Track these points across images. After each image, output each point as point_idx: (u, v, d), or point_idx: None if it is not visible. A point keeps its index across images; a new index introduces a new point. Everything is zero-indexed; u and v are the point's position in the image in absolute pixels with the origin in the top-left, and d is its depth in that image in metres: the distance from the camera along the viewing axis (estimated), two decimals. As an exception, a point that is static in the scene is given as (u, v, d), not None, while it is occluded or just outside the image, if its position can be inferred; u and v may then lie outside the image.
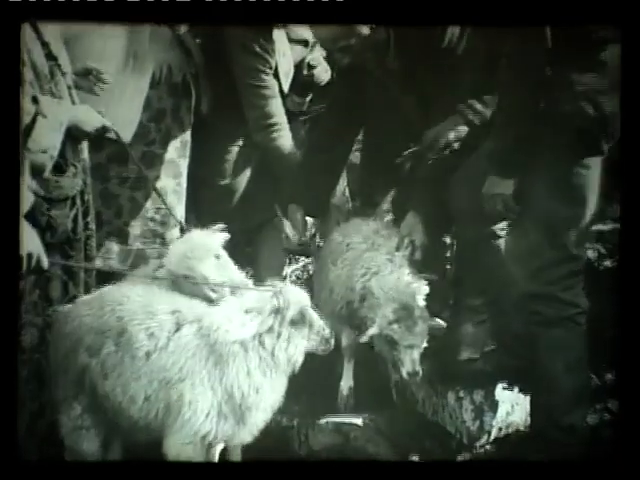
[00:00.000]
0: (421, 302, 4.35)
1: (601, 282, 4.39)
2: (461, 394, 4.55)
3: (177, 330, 3.71)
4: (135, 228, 4.87)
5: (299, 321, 3.68)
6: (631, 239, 3.48)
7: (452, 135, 4.45)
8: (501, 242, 4.31)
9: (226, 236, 4.10)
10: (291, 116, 5.18)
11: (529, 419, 4.33)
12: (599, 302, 4.07)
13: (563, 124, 3.77)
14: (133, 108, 4.79)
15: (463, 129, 4.40)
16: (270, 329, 3.66)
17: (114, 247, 4.89)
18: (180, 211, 5.01)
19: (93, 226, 4.32)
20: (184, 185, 5.03)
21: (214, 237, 4.05)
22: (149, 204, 4.87)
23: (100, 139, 4.29)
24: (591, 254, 4.12)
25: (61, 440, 3.87)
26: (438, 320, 4.36)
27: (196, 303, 3.83)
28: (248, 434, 3.76)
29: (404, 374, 4.28)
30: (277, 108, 5.01)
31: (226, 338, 3.63)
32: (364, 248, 4.62)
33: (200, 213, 5.05)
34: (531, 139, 3.84)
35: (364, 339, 4.31)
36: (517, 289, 4.09)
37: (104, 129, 4.18)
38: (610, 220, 5.39)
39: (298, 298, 3.72)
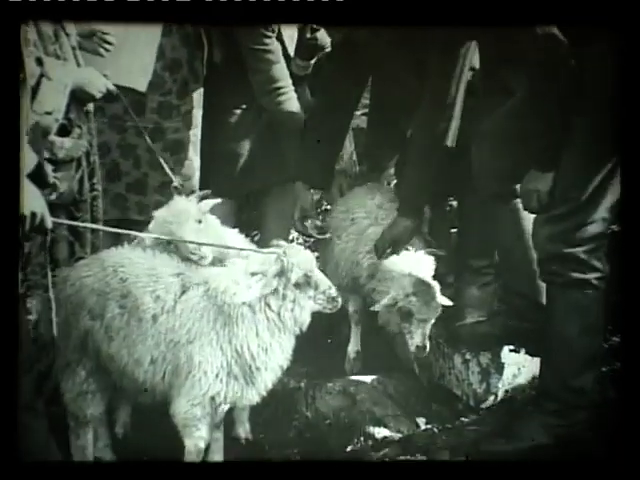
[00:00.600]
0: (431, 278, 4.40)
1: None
2: (467, 356, 4.54)
3: (183, 292, 3.73)
4: (154, 179, 4.80)
5: (304, 283, 3.68)
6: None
7: None
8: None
9: (214, 202, 4.11)
10: (296, 80, 5.13)
11: (536, 381, 4.34)
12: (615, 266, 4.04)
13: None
14: (146, 56, 4.76)
15: None
16: (275, 291, 3.66)
17: (132, 198, 4.87)
18: (196, 162, 4.99)
19: (99, 187, 4.32)
20: (199, 136, 5.01)
21: (196, 203, 4.06)
22: (167, 155, 4.83)
23: (108, 100, 4.31)
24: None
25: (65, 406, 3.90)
26: (446, 299, 4.40)
27: (197, 269, 3.84)
28: (256, 394, 3.77)
29: (412, 347, 4.33)
30: (282, 72, 4.96)
31: (233, 300, 3.64)
32: (367, 223, 4.66)
33: (207, 174, 5.02)
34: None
35: (377, 308, 4.37)
36: (538, 249, 4.06)
37: (109, 92, 4.19)
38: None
39: (302, 260, 3.71)
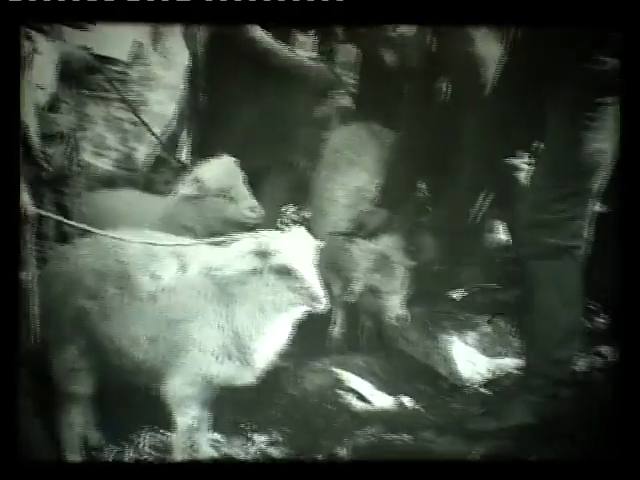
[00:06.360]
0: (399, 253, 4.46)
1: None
2: (453, 336, 4.58)
3: (182, 271, 3.69)
4: (141, 153, 4.73)
5: (284, 272, 3.55)
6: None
7: None
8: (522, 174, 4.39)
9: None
10: None
11: (521, 361, 4.38)
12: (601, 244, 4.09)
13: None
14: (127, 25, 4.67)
15: None
16: (256, 272, 3.58)
17: (122, 174, 4.80)
18: (183, 135, 4.97)
19: (83, 163, 4.29)
20: (187, 109, 4.97)
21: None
22: (155, 128, 4.79)
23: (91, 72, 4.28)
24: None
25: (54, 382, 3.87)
26: (410, 261, 4.46)
27: (198, 245, 3.82)
28: (252, 376, 3.76)
29: (393, 320, 4.41)
30: None
31: (232, 279, 3.60)
32: (346, 203, 4.72)
33: (202, 149, 4.97)
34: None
35: (352, 299, 4.50)
36: (521, 217, 4.11)
37: (91, 67, 4.17)
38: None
39: (290, 248, 3.58)
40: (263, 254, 3.56)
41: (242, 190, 4.36)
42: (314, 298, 3.54)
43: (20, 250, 3.42)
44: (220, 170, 4.35)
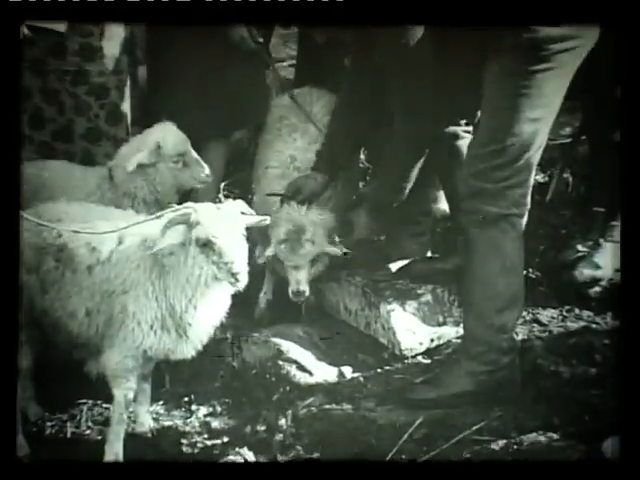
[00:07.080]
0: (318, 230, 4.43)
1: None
2: (393, 305, 4.57)
3: (120, 243, 3.66)
4: (80, 126, 4.69)
5: (204, 246, 3.47)
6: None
7: None
8: (463, 143, 4.39)
9: None
10: None
11: (461, 329, 4.42)
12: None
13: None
14: None
15: None
16: (182, 245, 3.53)
17: (59, 146, 4.75)
18: (124, 107, 4.87)
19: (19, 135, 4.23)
20: (127, 82, 4.88)
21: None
22: (92, 99, 4.73)
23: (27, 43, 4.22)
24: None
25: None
26: (334, 248, 4.46)
27: (135, 217, 3.79)
28: (192, 349, 3.74)
29: (290, 293, 4.42)
30: None
31: (163, 251, 3.55)
32: (278, 173, 4.74)
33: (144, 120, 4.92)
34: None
35: (261, 260, 4.47)
36: (463, 185, 4.10)
37: (28, 39, 4.11)
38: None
39: (213, 222, 3.49)
40: (190, 226, 3.50)
41: (194, 155, 4.44)
42: (233, 275, 3.47)
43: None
44: (174, 136, 4.40)
